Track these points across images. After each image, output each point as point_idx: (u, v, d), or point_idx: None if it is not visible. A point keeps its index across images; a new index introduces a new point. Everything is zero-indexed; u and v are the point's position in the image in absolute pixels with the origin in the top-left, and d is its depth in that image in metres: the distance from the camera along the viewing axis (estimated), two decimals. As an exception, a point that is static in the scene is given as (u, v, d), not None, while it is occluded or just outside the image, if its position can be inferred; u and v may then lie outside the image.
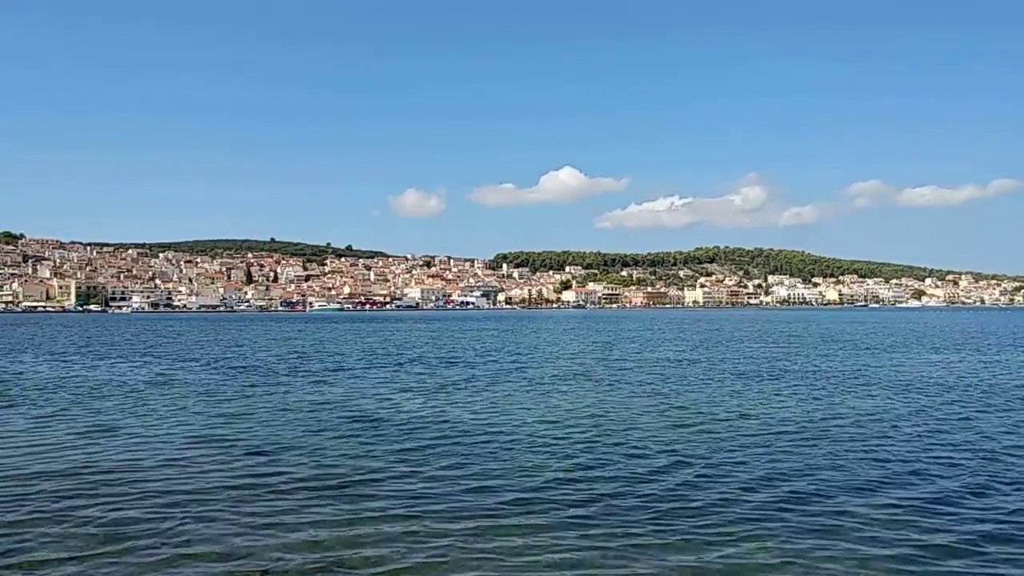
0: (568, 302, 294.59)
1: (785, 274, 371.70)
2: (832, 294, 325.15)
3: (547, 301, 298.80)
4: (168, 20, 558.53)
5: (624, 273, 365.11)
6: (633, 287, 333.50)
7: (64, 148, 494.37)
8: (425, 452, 12.95)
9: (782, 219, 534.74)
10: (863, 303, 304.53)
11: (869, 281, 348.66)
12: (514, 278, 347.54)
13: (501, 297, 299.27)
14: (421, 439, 14.11)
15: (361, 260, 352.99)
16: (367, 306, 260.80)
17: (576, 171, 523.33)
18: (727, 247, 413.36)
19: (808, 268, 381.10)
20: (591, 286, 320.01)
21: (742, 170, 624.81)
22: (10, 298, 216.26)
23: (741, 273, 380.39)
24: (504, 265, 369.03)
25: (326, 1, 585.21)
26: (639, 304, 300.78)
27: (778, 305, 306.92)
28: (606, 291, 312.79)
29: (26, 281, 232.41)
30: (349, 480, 11.00)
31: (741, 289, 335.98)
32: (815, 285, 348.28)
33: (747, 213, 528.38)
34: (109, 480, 10.95)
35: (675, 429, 15.23)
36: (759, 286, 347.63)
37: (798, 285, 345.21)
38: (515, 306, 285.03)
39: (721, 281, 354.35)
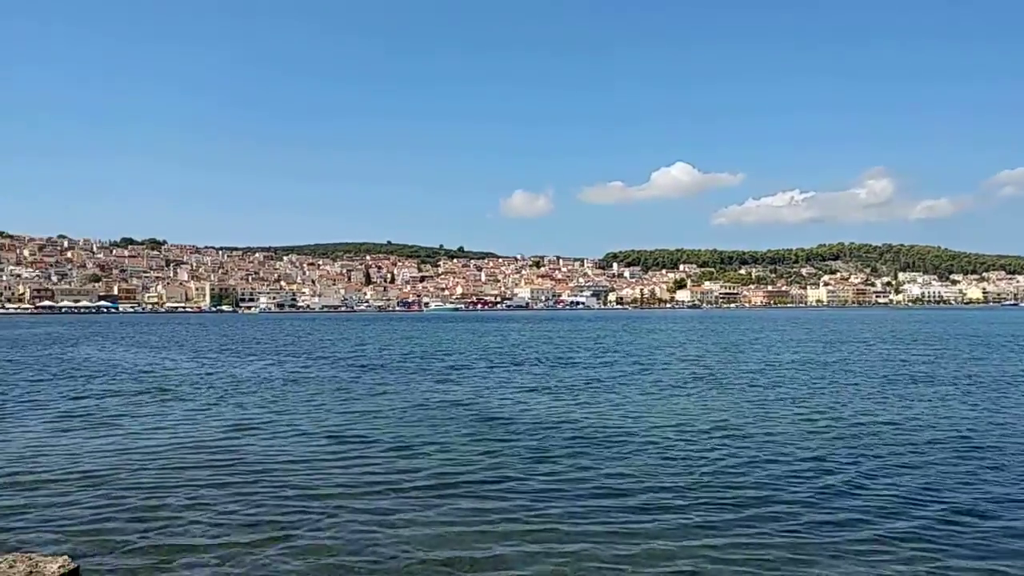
0: (682, 302, 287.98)
1: (918, 271, 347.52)
2: (975, 292, 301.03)
3: (660, 301, 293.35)
4: (295, 20, 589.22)
5: (742, 271, 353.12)
6: (752, 286, 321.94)
7: (198, 166, 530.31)
8: (553, 454, 12.78)
9: (913, 213, 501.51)
10: (1012, 302, 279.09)
11: (1020, 278, 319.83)
12: (625, 277, 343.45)
13: (612, 297, 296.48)
14: (548, 441, 13.97)
15: (472, 261, 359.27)
16: (479, 306, 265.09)
17: (689, 166, 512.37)
18: (852, 243, 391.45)
19: (945, 264, 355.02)
20: (707, 285, 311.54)
21: (867, 162, 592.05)
22: (156, 299, 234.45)
23: (868, 270, 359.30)
24: (614, 264, 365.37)
25: (447, 3, 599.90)
26: (758, 303, 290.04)
27: (910, 304, 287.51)
28: (723, 290, 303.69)
29: (168, 283, 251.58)
30: (479, 480, 10.99)
31: (868, 287, 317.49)
32: (954, 283, 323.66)
33: (874, 207, 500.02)
34: (251, 475, 11.39)
35: (812, 435, 14.37)
36: (888, 284, 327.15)
37: (933, 283, 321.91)
38: (626, 306, 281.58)
39: (846, 279, 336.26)
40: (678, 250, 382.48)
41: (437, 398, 20.44)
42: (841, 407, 18.20)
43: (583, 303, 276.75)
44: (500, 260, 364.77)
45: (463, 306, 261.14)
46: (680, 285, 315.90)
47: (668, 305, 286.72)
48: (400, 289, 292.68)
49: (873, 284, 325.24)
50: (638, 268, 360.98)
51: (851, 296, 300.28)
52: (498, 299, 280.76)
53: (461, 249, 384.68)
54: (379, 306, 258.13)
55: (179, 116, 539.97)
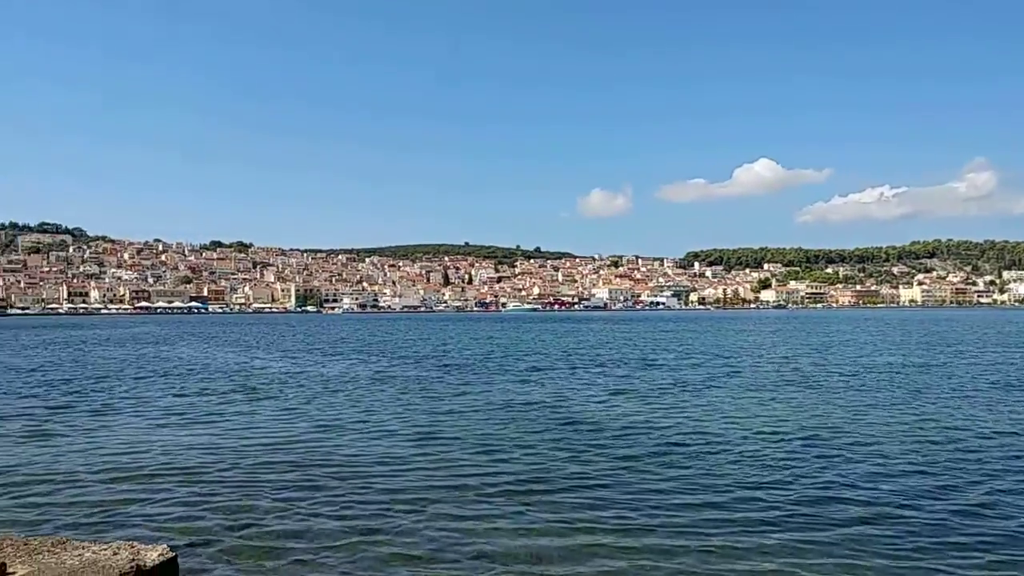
0: (767, 302, 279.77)
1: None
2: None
3: (743, 301, 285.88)
4: (379, 19, 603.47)
5: (829, 270, 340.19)
6: (839, 285, 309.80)
7: (283, 170, 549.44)
8: (640, 460, 12.30)
9: (1020, 207, 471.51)
10: None
11: None
12: (707, 277, 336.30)
13: (693, 297, 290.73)
14: (635, 446, 13.48)
15: (549, 261, 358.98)
16: (556, 306, 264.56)
17: (772, 162, 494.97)
18: (949, 240, 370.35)
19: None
20: (792, 284, 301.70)
21: (966, 154, 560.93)
22: (243, 300, 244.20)
23: (968, 268, 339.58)
24: (696, 264, 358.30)
25: (519, 2, 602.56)
26: (847, 303, 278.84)
27: (1017, 304, 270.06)
28: (809, 290, 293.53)
29: (255, 285, 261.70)
30: (566, 485, 10.63)
31: (969, 286, 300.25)
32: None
33: (974, 202, 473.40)
34: (339, 474, 11.39)
35: (922, 446, 13.32)
36: (992, 283, 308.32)
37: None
38: (708, 306, 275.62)
39: (943, 278, 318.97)
40: (762, 249, 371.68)
41: (520, 399, 20.22)
42: (952, 416, 16.94)
43: (663, 303, 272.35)
44: (577, 260, 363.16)
45: (540, 306, 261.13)
46: (764, 285, 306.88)
47: (752, 305, 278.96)
48: (477, 290, 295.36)
49: (974, 283, 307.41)
50: (720, 267, 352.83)
51: (949, 296, 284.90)
52: (575, 299, 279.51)
53: (538, 249, 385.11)
54: (457, 306, 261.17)
55: (259, 121, 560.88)
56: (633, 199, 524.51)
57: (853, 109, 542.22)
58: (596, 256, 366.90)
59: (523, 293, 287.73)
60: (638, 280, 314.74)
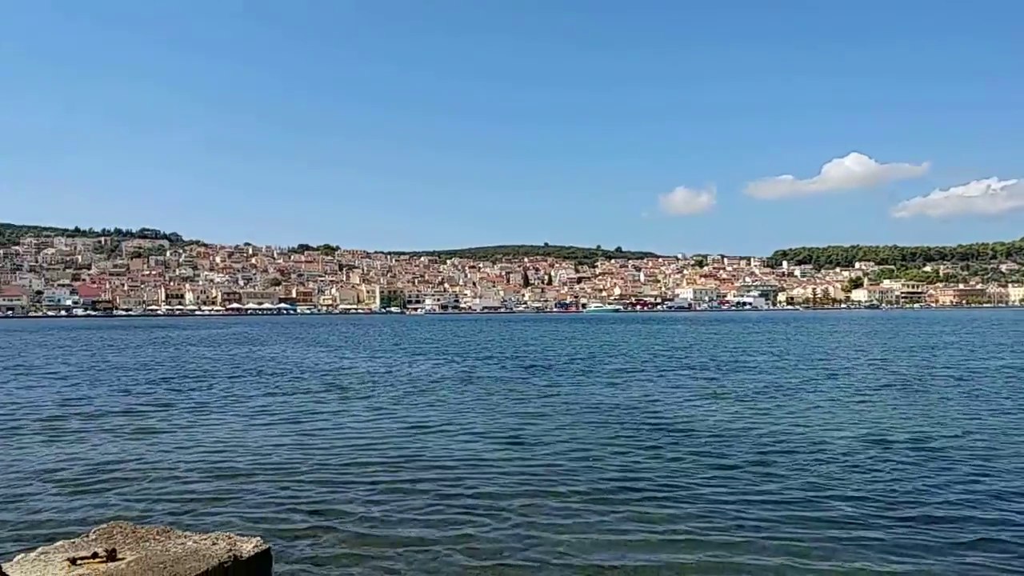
0: (859, 302, 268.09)
1: None
2: None
3: (834, 301, 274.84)
4: (468, 28, 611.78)
5: (927, 268, 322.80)
6: (939, 284, 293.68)
7: (370, 173, 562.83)
8: (732, 465, 11.76)
9: None
10: None
11: None
12: (795, 276, 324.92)
13: (781, 297, 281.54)
14: (734, 452, 12.86)
15: (630, 261, 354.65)
16: (638, 307, 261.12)
17: (864, 157, 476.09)
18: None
19: None
20: (886, 283, 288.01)
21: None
22: (329, 302, 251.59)
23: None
24: (784, 263, 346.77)
25: (600, 3, 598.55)
26: (948, 303, 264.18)
27: None
28: (905, 289, 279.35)
29: (341, 286, 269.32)
30: (658, 493, 10.19)
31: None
32: None
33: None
34: (426, 476, 11.29)
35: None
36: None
37: None
38: (797, 306, 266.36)
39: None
40: (853, 247, 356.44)
41: (608, 402, 19.78)
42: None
43: (750, 303, 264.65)
44: (659, 260, 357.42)
45: (621, 307, 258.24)
46: (856, 284, 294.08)
47: (843, 305, 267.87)
48: (557, 290, 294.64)
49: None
50: (809, 266, 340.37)
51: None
52: (658, 300, 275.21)
53: (619, 249, 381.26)
54: (537, 307, 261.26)
55: (346, 128, 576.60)
56: (718, 196, 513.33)
57: (952, 96, 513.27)
58: (679, 255, 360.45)
59: (604, 294, 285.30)
60: (724, 280, 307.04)
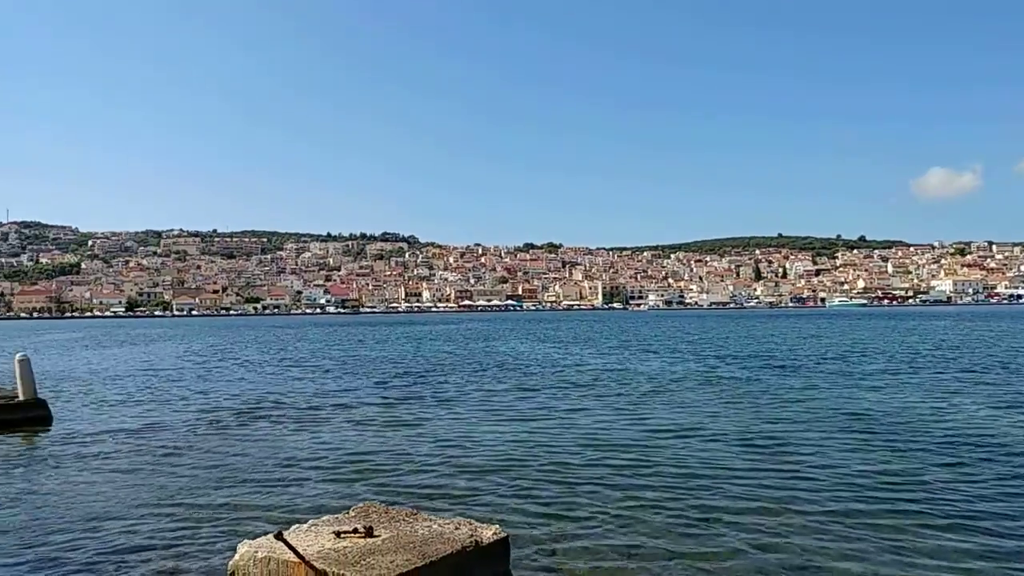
0: None
1: None
2: None
3: None
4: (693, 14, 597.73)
5: None
6: None
7: (591, 172, 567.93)
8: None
9: None
10: None
11: None
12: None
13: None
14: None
15: (876, 251, 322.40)
16: (885, 300, 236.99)
17: None
18: None
19: None
20: None
21: None
22: (554, 298, 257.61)
23: None
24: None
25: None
26: None
27: None
28: None
29: (564, 283, 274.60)
30: (941, 522, 8.30)
31: None
32: None
33: None
34: (663, 482, 10.36)
35: None
36: None
37: None
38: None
39: None
40: None
41: (872, 408, 17.17)
42: None
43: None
44: (911, 249, 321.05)
45: (867, 301, 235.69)
46: None
47: None
48: (793, 284, 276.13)
49: None
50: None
51: None
52: (909, 293, 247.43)
53: (862, 238, 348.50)
54: (770, 302, 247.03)
55: (569, 127, 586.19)
56: (984, 176, 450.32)
57: None
58: (935, 244, 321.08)
59: (845, 287, 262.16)
60: (992, 270, 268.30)
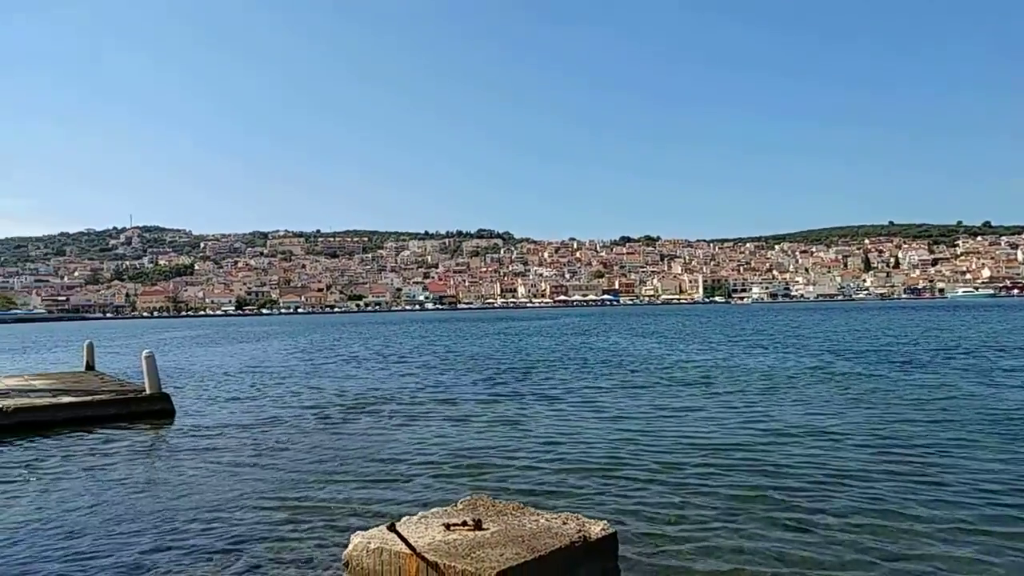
0: None
1: None
2: None
3: None
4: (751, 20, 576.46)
5: None
6: None
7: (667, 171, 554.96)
8: None
9: None
10: None
11: None
12: None
13: None
14: None
15: (1003, 238, 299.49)
16: (1015, 291, 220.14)
17: None
18: None
19: None
20: None
21: None
22: (652, 292, 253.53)
23: None
24: None
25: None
26: None
27: None
28: None
29: (662, 277, 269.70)
30: None
31: None
32: None
33: None
34: (779, 486, 9.74)
35: None
36: None
37: None
38: None
39: None
40: None
41: (1019, 409, 15.69)
42: None
43: None
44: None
45: (994, 291, 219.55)
46: None
47: None
48: (906, 274, 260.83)
49: None
50: None
51: None
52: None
53: (987, 224, 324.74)
54: (881, 293, 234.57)
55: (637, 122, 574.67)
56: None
57: None
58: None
59: (968, 276, 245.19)
60: None
